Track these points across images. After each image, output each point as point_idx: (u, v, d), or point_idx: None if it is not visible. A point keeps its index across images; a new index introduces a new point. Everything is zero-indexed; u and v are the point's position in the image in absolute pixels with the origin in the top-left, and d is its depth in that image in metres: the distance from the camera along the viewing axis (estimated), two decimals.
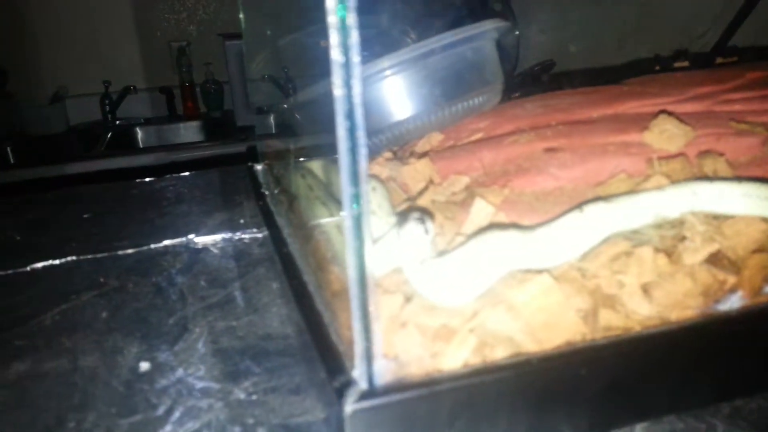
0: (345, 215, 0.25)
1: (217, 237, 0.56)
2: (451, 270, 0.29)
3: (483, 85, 0.50)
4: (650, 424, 0.32)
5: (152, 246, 0.55)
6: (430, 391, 0.27)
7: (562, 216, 0.32)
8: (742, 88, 0.48)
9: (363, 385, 0.27)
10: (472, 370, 0.28)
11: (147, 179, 0.73)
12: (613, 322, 0.31)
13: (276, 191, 0.50)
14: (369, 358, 0.27)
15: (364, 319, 0.27)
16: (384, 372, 0.28)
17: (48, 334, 0.42)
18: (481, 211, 0.35)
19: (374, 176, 0.42)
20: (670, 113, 0.40)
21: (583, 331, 0.31)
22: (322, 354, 0.30)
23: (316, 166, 0.44)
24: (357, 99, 0.24)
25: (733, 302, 0.33)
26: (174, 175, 0.74)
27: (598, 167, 0.38)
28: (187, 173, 0.75)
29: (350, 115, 0.25)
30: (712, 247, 0.32)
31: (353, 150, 0.25)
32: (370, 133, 0.49)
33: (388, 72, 0.47)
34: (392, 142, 0.50)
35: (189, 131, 1.93)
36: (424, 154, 0.44)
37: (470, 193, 0.38)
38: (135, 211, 0.65)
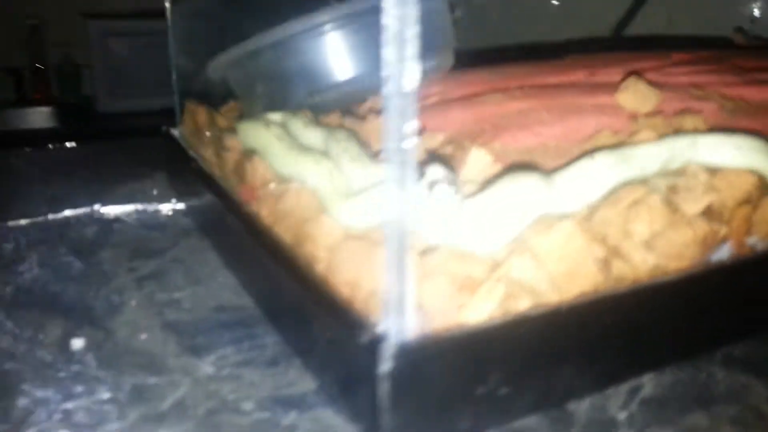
0: (391, 152, 0.22)
1: (128, 207, 0.49)
2: (482, 213, 0.26)
3: (436, 47, 0.48)
4: (654, 376, 0.31)
5: (50, 216, 0.47)
6: (469, 342, 0.25)
7: (574, 163, 0.30)
8: (678, 65, 0.50)
9: (396, 339, 0.24)
10: (507, 321, 0.25)
11: (27, 149, 0.63)
12: (623, 272, 0.30)
13: (210, 152, 0.45)
14: (401, 310, 0.24)
15: (400, 265, 0.23)
16: (412, 326, 0.24)
17: None
18: (479, 160, 0.32)
19: (342, 127, 0.38)
20: (639, 75, 0.41)
21: (598, 281, 0.29)
22: (332, 311, 0.26)
23: (285, 116, 0.39)
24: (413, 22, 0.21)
25: (723, 253, 0.33)
26: (58, 145, 0.65)
27: (578, 125, 0.38)
28: (71, 144, 0.66)
29: (402, 45, 0.21)
30: (710, 197, 0.32)
31: (402, 82, 0.21)
32: (312, 92, 0.45)
33: (333, 25, 0.43)
34: (334, 104, 0.46)
35: (40, 117, 1.73)
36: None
37: (458, 146, 0.36)
38: (16, 182, 0.55)
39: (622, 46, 0.70)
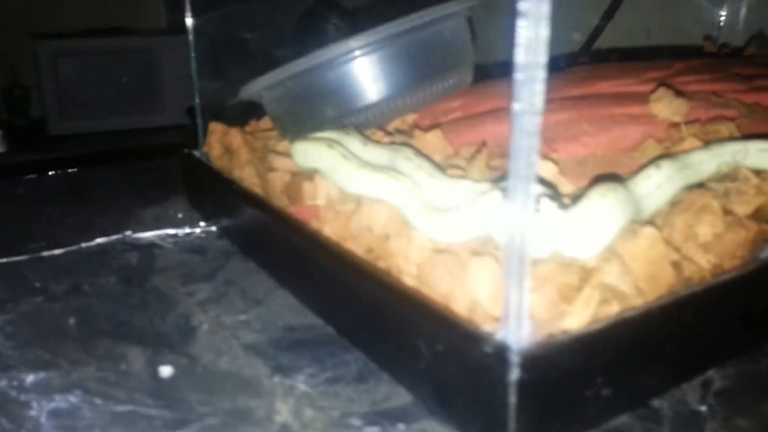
0: (516, 168, 0.23)
1: (160, 233, 0.49)
2: (582, 224, 0.28)
3: (457, 66, 0.49)
4: (718, 369, 0.33)
5: (83, 245, 0.46)
6: (583, 347, 0.26)
7: (643, 172, 0.32)
8: (684, 73, 0.52)
9: (519, 348, 0.25)
10: (611, 325, 0.27)
11: (30, 176, 0.61)
12: (691, 273, 0.32)
13: (248, 173, 0.45)
14: (521, 319, 0.25)
15: (521, 276, 0.24)
16: (528, 335, 0.26)
17: (14, 345, 0.33)
18: (546, 172, 0.34)
19: (395, 144, 0.39)
20: (668, 86, 0.43)
21: (673, 283, 0.31)
22: (444, 323, 0.27)
23: (337, 135, 0.39)
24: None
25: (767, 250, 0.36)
26: (59, 171, 0.63)
27: (621, 135, 0.40)
28: (73, 169, 0.65)
29: (533, 67, 0.22)
30: (760, 200, 0.34)
31: (533, 101, 0.23)
32: (347, 113, 0.46)
33: (366, 50, 0.44)
34: (367, 123, 0.47)
35: None
36: (432, 127, 0.42)
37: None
38: (31, 211, 0.54)
39: (605, 58, 0.73)
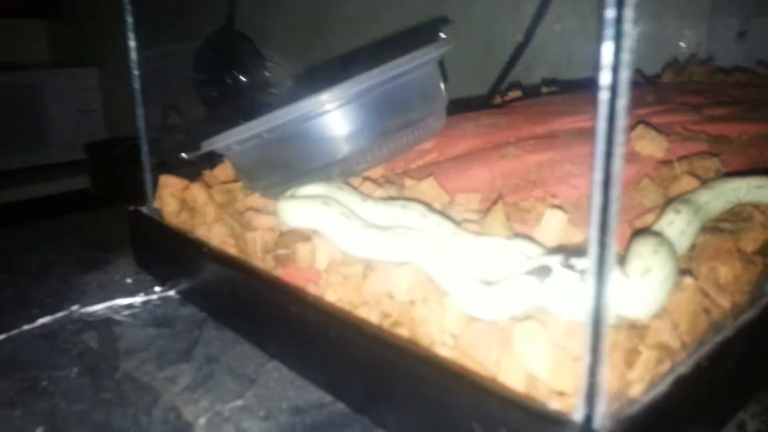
0: (595, 238, 0.22)
1: (112, 304, 0.43)
2: (642, 282, 0.26)
3: (434, 109, 0.47)
4: (744, 411, 0.33)
5: (26, 327, 0.40)
6: (656, 416, 0.25)
7: (663, 218, 0.32)
8: (635, 106, 0.53)
9: (603, 427, 0.23)
10: (676, 385, 0.26)
11: None
12: (718, 315, 0.32)
13: (218, 232, 0.40)
14: (602, 395, 0.23)
15: (603, 351, 0.23)
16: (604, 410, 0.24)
17: None
18: (555, 221, 0.33)
19: (401, 196, 0.36)
20: (647, 123, 0.43)
21: (706, 328, 0.30)
22: (503, 400, 0.25)
23: (328, 189, 0.36)
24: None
25: None
26: None
27: None
28: None
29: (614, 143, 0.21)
30: (765, 235, 0.35)
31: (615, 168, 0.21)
32: (326, 164, 0.42)
33: (345, 101, 0.41)
34: (346, 173, 0.44)
35: None
36: (427, 175, 0.40)
37: (514, 207, 0.36)
38: None
39: (536, 92, 0.74)
